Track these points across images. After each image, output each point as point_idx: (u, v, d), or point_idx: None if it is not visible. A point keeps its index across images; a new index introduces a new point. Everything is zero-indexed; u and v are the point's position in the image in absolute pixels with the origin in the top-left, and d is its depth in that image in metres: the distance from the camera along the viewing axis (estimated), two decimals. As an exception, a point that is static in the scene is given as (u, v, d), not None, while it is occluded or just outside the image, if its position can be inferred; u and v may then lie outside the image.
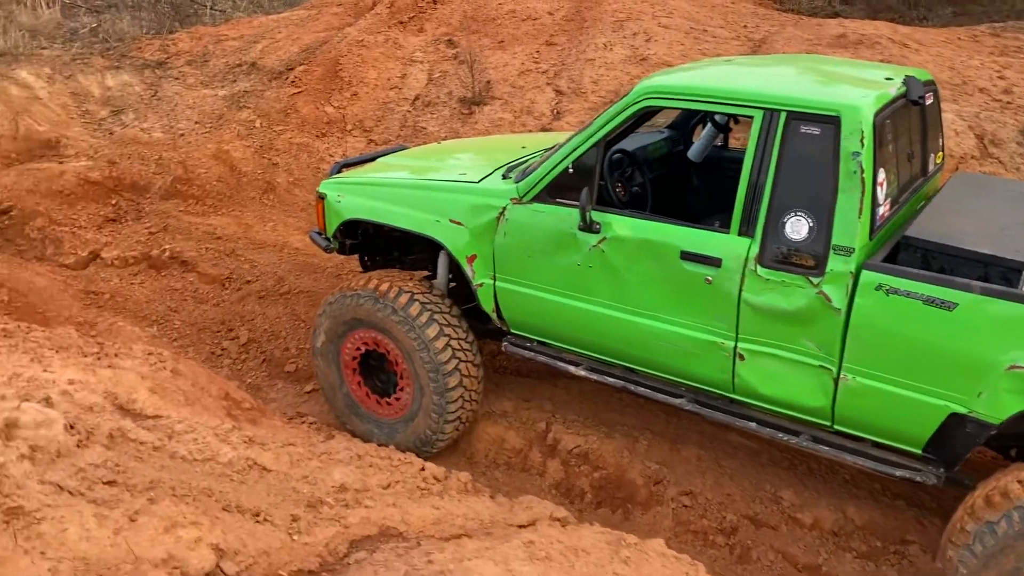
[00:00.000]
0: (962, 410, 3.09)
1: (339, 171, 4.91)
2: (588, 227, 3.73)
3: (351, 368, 4.52)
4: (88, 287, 6.23)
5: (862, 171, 3.20)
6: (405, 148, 5.48)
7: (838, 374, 3.32)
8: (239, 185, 7.46)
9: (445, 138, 7.44)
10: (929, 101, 3.96)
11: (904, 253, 3.36)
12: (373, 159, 5.31)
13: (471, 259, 4.11)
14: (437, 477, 3.91)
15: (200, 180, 7.43)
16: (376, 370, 4.53)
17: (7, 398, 3.35)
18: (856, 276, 3.22)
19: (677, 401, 3.81)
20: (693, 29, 8.55)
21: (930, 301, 3.08)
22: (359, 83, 8.40)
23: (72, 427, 3.27)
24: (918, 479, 3.32)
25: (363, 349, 4.44)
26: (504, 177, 4.18)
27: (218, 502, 2.95)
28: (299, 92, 8.27)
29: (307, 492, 3.29)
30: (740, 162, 5.10)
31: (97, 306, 5.98)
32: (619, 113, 3.73)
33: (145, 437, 3.52)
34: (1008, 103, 6.65)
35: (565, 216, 3.83)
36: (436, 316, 4.16)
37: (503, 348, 4.31)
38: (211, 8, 12.64)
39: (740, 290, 3.43)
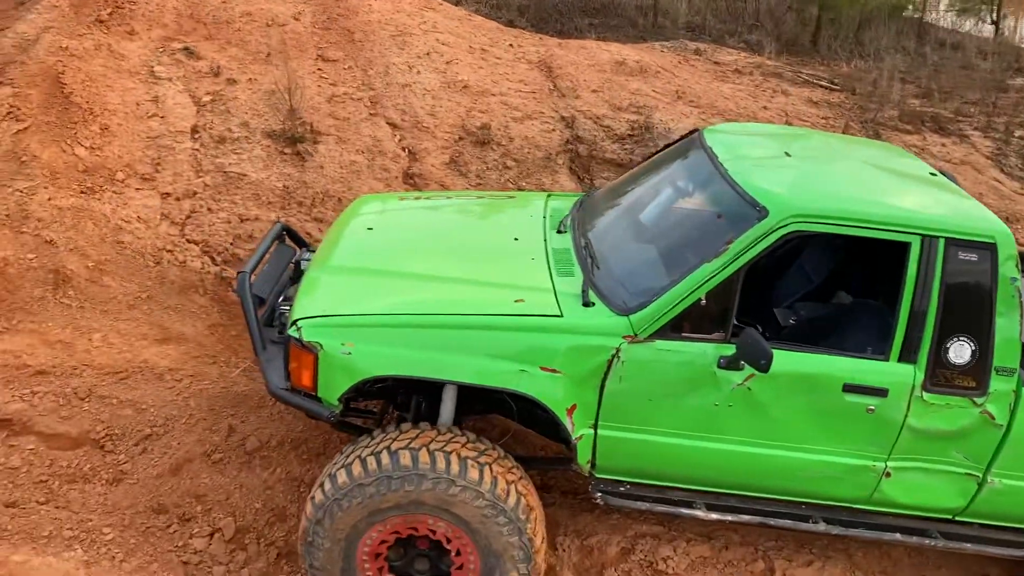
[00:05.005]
0: None
1: (249, 282, 3.67)
2: (735, 365, 3.38)
3: (377, 567, 3.46)
4: None
5: (1020, 295, 3.44)
6: (281, 223, 4.42)
7: (984, 478, 3.59)
8: (8, 283, 4.91)
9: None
10: None
11: None
12: (268, 249, 4.07)
13: (571, 410, 3.43)
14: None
15: (-64, 282, 4.73)
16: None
17: None
18: (1017, 392, 3.48)
19: (821, 528, 3.65)
20: (473, 48, 8.02)
21: None
22: (102, 111, 6.09)
23: None
24: None
25: (392, 539, 3.43)
26: (586, 304, 3.49)
27: None
28: (25, 128, 5.68)
29: None
30: None
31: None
32: (759, 240, 3.36)
33: None
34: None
35: (699, 353, 3.40)
36: (520, 488, 3.41)
37: (597, 500, 3.62)
38: None
39: (905, 416, 3.46)
